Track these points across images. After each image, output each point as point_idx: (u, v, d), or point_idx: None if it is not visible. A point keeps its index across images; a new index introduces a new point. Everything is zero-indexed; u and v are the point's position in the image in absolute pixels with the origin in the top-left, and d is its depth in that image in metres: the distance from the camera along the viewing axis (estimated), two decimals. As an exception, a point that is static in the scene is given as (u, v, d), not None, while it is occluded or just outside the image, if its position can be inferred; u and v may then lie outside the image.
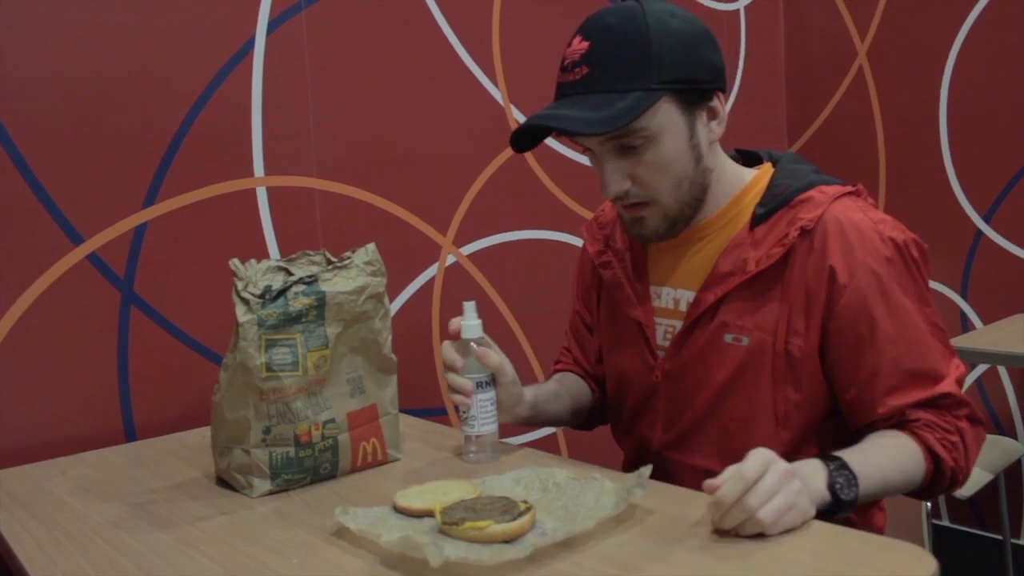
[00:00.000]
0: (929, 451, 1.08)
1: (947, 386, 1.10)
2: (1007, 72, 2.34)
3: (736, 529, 0.90)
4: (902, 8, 2.52)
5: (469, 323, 1.21)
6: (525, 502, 0.97)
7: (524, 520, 0.93)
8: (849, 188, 1.16)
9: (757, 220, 1.15)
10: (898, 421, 1.10)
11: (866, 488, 1.01)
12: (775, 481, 0.89)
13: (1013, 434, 2.43)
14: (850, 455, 1.03)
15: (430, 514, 0.99)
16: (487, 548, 0.89)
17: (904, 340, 1.09)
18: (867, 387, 1.10)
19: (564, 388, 1.37)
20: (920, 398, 1.09)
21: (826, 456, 1.02)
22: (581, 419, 1.41)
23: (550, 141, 2.15)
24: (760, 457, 0.91)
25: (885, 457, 1.07)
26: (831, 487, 0.98)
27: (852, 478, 1.00)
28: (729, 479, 0.89)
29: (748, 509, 0.88)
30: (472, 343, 1.21)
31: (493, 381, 1.21)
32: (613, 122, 1.04)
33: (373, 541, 0.93)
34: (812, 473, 0.98)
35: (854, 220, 1.11)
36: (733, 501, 0.88)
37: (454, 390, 1.20)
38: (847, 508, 0.99)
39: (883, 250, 1.10)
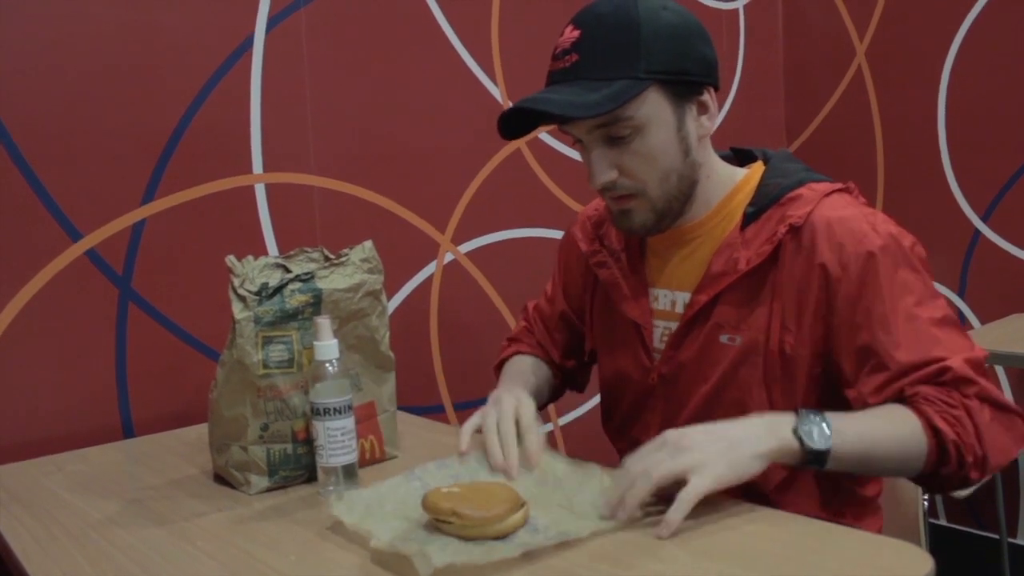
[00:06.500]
0: (929, 424, 0.99)
1: (950, 361, 1.01)
2: (1006, 72, 2.34)
3: (627, 492, 0.96)
4: (901, 7, 2.52)
5: (324, 344, 1.11)
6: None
7: (516, 517, 0.93)
8: (839, 185, 1.15)
9: (748, 219, 1.14)
10: (896, 397, 1.04)
11: (846, 446, 0.96)
12: (654, 446, 0.98)
13: (1010, 433, 2.42)
14: (833, 414, 0.99)
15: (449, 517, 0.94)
16: (478, 547, 0.89)
17: (900, 328, 1.04)
18: (867, 378, 1.05)
19: (541, 380, 1.35)
20: (918, 377, 1.03)
21: (805, 411, 0.98)
22: (541, 402, 1.34)
23: (547, 137, 2.16)
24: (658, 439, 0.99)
25: (875, 421, 1.01)
26: (796, 430, 0.95)
27: (824, 429, 0.96)
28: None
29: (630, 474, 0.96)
30: (328, 364, 1.10)
31: (350, 408, 1.11)
32: (597, 107, 1.04)
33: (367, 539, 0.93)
34: (777, 422, 0.97)
35: (843, 215, 1.09)
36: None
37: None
38: (820, 460, 0.96)
39: (875, 239, 1.07)
